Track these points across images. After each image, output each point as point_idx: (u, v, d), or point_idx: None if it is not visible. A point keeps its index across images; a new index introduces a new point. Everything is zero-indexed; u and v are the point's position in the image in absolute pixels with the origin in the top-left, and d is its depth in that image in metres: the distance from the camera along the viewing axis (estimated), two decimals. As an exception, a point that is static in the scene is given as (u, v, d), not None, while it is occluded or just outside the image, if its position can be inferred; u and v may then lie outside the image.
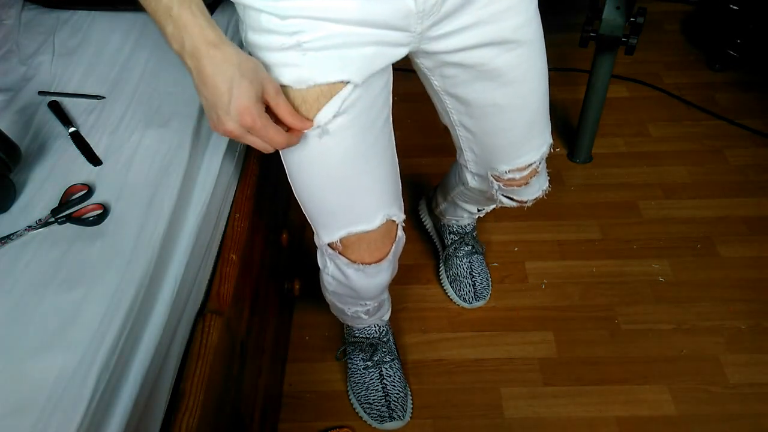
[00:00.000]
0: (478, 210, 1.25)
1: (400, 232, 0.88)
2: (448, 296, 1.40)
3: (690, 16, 2.17)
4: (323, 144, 0.75)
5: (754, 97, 1.85)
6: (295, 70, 0.71)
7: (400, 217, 0.87)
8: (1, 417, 0.58)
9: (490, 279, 1.42)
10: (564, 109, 1.85)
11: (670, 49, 2.05)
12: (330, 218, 0.83)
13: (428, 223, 1.49)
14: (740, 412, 1.19)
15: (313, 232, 0.90)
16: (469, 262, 1.39)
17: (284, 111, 0.69)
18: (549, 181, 1.03)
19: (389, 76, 0.80)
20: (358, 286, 0.90)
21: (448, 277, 1.41)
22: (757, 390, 1.22)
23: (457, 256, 1.40)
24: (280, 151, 0.80)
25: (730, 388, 1.23)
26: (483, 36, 0.77)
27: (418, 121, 1.79)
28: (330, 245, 0.87)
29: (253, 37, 0.72)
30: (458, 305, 1.39)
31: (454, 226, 1.40)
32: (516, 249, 1.50)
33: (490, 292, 1.40)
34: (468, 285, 1.38)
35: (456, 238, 1.40)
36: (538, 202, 1.58)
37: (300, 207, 0.87)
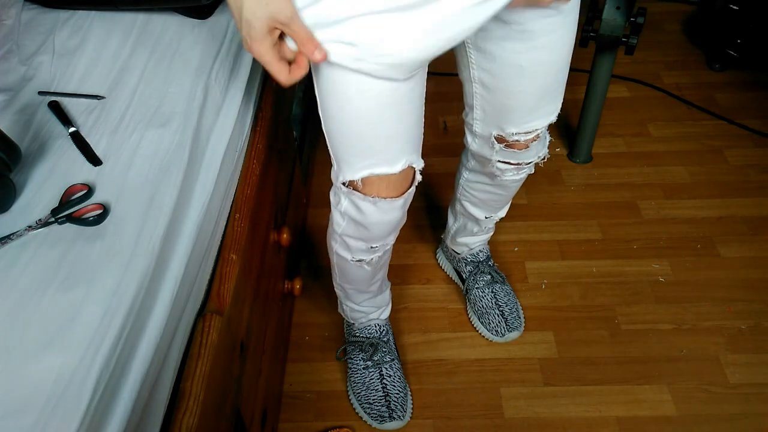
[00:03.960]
0: (486, 217, 1.23)
1: (418, 176, 0.89)
2: (481, 334, 1.33)
3: (690, 16, 2.17)
4: (363, 84, 0.75)
5: (754, 97, 1.85)
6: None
7: (419, 164, 0.88)
8: (1, 417, 0.58)
9: (521, 308, 1.36)
10: (564, 109, 1.83)
11: (671, 49, 2.05)
12: (355, 157, 0.84)
13: (446, 265, 1.46)
14: (740, 412, 1.19)
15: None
16: (492, 292, 1.35)
17: (302, 37, 0.69)
18: (548, 148, 1.04)
19: None
20: (370, 221, 0.90)
21: (475, 312, 1.35)
22: (757, 390, 1.22)
23: (477, 288, 1.35)
24: (315, 82, 0.80)
25: (730, 388, 1.23)
26: None
27: (418, 121, 1.79)
28: (349, 183, 0.87)
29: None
30: (490, 340, 1.32)
31: (468, 256, 1.38)
32: (516, 249, 1.50)
33: (523, 323, 1.34)
34: (497, 316, 1.32)
35: (472, 269, 1.37)
36: (538, 202, 1.60)
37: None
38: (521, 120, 0.95)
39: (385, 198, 0.87)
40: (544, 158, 1.04)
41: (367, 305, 1.21)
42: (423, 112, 0.87)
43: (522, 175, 1.06)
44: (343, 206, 0.91)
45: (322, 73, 0.77)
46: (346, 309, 1.24)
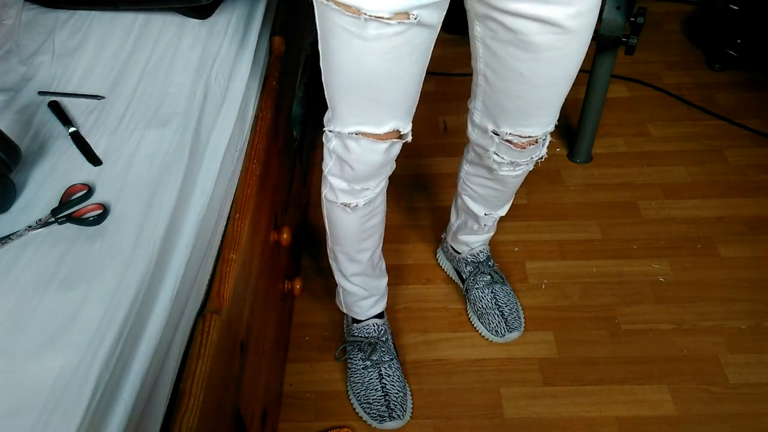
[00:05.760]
0: (485, 214, 1.23)
1: (405, 131, 0.93)
2: (481, 334, 1.33)
3: (690, 16, 2.17)
4: (367, 48, 0.78)
5: (754, 97, 1.85)
6: None
7: (406, 128, 0.92)
8: (1, 417, 0.58)
9: (521, 309, 1.36)
10: (564, 109, 1.84)
11: (670, 49, 2.05)
12: (347, 113, 0.88)
13: (446, 265, 1.46)
14: (740, 412, 1.19)
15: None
16: (492, 292, 1.35)
17: None
18: (547, 152, 1.04)
19: (442, 13, 0.82)
20: (354, 158, 0.93)
21: (475, 313, 1.35)
22: (757, 390, 1.22)
23: (477, 288, 1.35)
24: (319, 33, 0.82)
25: (730, 388, 1.23)
26: (539, 11, 0.78)
27: (418, 121, 1.79)
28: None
29: None
30: (490, 340, 1.32)
31: (468, 256, 1.37)
32: (516, 249, 1.50)
33: (523, 323, 1.34)
34: (496, 316, 1.32)
35: (472, 269, 1.37)
36: (538, 202, 1.60)
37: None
38: (516, 123, 0.96)
39: (368, 137, 0.90)
40: (542, 158, 1.04)
41: (358, 282, 1.19)
42: (421, 84, 0.90)
43: (519, 171, 1.06)
44: (332, 145, 0.94)
45: (325, 38, 0.81)
46: (340, 291, 1.23)
